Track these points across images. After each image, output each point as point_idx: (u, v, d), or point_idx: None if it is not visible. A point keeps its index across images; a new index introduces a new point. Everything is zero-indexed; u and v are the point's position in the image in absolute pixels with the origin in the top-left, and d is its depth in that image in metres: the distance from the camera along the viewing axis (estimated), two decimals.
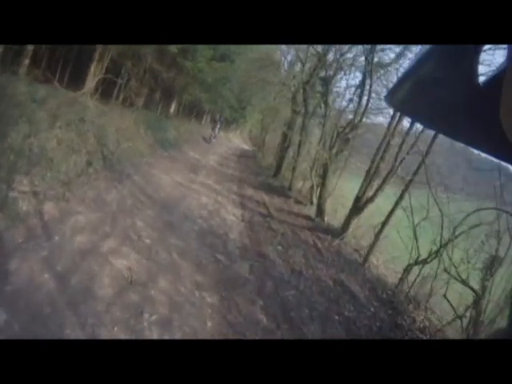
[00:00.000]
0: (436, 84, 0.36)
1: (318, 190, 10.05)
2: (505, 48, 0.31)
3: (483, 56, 0.35)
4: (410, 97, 0.39)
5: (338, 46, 10.82)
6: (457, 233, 5.34)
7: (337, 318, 4.31)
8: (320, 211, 9.44)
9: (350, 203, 8.38)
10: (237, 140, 37.59)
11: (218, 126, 24.77)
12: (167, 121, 14.92)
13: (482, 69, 0.35)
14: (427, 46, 0.35)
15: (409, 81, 0.38)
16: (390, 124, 8.11)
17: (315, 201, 10.24)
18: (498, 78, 0.32)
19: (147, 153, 9.06)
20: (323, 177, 9.82)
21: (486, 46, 0.35)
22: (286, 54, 20.14)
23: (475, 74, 0.34)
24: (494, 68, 0.34)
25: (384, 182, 7.51)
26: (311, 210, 9.99)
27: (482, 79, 0.34)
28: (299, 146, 12.24)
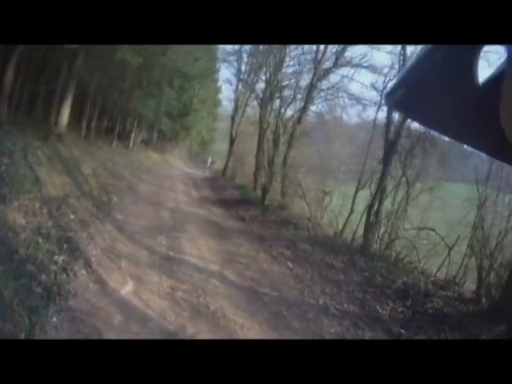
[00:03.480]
0: (436, 84, 0.36)
1: None
2: (505, 48, 0.31)
3: (483, 56, 0.35)
4: (409, 97, 0.39)
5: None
6: None
7: None
8: None
9: None
10: (179, 163, 28.53)
11: (210, 159, 23.67)
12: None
13: (482, 69, 0.35)
14: (427, 46, 0.35)
15: (408, 81, 0.38)
16: None
17: None
18: (497, 78, 0.32)
19: None
20: None
21: (486, 46, 0.35)
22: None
23: (475, 74, 0.34)
24: (493, 68, 0.34)
25: None
26: None
27: (482, 79, 0.34)
28: None
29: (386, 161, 7.35)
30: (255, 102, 16.74)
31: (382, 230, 7.46)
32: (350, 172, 10.93)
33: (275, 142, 11.55)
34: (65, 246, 4.08)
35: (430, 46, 0.35)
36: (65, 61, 8.80)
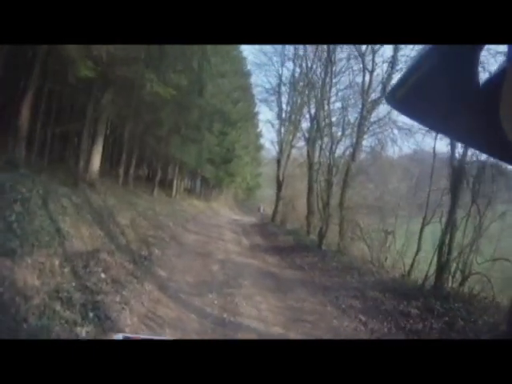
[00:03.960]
0: (436, 84, 0.36)
1: None
2: (505, 48, 0.31)
3: (483, 56, 0.35)
4: (410, 97, 0.39)
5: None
6: None
7: None
8: None
9: None
10: (225, 210, 26.89)
11: (262, 206, 23.52)
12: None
13: (481, 69, 0.35)
14: (427, 46, 0.35)
15: (409, 81, 0.38)
16: None
17: None
18: (498, 78, 0.32)
19: None
20: None
21: (486, 46, 0.35)
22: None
23: (475, 74, 0.34)
24: (493, 68, 0.34)
25: None
26: None
27: (482, 79, 0.34)
28: None
29: (454, 190, 6.58)
30: (300, 143, 16.15)
31: (454, 266, 6.65)
32: (410, 207, 10.08)
33: (329, 183, 10.52)
34: (91, 313, 3.29)
35: (430, 45, 0.35)
36: (90, 101, 8.07)
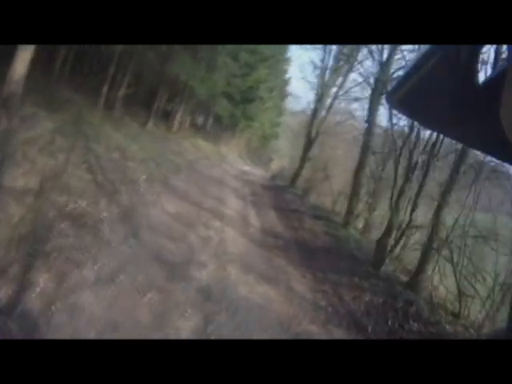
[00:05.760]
0: (436, 84, 0.36)
1: None
2: (505, 48, 0.31)
3: (483, 56, 0.35)
4: (410, 97, 0.39)
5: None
6: None
7: None
8: None
9: None
10: (234, 157, 22.53)
11: (275, 162, 21.73)
12: None
13: (481, 69, 0.35)
14: (427, 46, 0.35)
15: (409, 81, 0.38)
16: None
17: None
18: (498, 78, 0.32)
19: None
20: None
21: (486, 46, 0.35)
22: None
23: (475, 74, 0.34)
24: (493, 68, 0.34)
25: None
26: None
27: (482, 79, 0.34)
28: None
29: None
30: (353, 94, 11.48)
31: None
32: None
33: (409, 169, 6.08)
34: None
35: (429, 46, 0.35)
36: None
